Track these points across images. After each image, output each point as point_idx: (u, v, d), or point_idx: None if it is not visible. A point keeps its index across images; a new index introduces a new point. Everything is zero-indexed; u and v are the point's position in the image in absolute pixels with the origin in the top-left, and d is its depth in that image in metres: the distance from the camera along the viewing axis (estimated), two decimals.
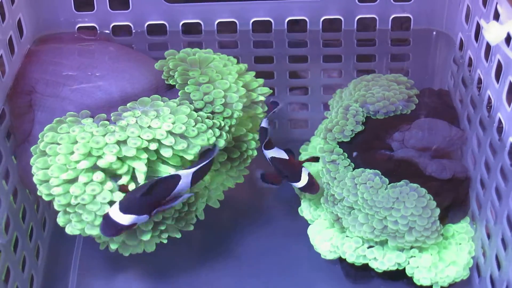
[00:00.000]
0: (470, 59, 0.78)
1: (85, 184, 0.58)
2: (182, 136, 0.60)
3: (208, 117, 0.63)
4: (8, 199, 0.65)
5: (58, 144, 0.58)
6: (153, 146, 0.59)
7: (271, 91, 0.71)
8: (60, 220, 0.60)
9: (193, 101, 0.63)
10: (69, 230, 0.60)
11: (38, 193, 0.59)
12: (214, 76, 0.65)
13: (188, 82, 0.65)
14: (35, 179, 0.59)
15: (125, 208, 0.56)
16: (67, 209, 0.59)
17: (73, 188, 0.58)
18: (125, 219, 0.56)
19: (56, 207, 0.59)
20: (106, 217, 0.57)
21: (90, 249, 0.71)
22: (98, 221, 0.58)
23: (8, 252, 0.63)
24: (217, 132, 0.62)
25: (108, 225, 0.57)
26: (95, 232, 0.59)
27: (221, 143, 0.62)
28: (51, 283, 0.70)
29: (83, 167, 0.58)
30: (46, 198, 0.59)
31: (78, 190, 0.58)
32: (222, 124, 0.64)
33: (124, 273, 0.71)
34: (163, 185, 0.58)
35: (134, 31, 0.92)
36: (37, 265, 0.70)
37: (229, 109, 0.64)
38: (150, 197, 0.57)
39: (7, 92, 0.70)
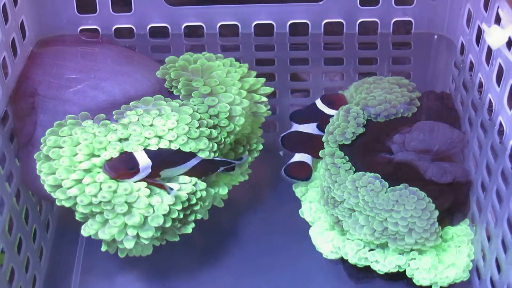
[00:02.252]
0: (471, 62, 0.78)
1: (100, 183, 0.58)
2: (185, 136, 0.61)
3: (214, 127, 0.63)
4: (11, 201, 0.65)
5: (61, 147, 0.59)
6: (154, 141, 0.60)
7: (273, 89, 0.71)
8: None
9: (201, 117, 0.64)
10: (92, 231, 0.60)
11: (57, 203, 0.59)
12: (217, 89, 0.65)
13: (192, 95, 0.65)
14: (46, 187, 0.59)
15: (152, 154, 0.60)
16: (93, 209, 0.58)
17: (89, 188, 0.58)
18: (146, 162, 0.59)
19: (81, 209, 0.58)
20: (127, 153, 0.60)
21: (92, 250, 0.72)
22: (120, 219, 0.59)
23: (12, 253, 0.64)
24: (215, 147, 0.63)
25: (126, 159, 0.59)
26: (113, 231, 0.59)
27: (211, 155, 0.63)
28: (53, 283, 0.70)
29: (85, 167, 0.58)
30: (66, 204, 0.58)
31: (94, 189, 0.58)
32: (222, 140, 0.64)
33: (126, 274, 0.71)
34: (179, 153, 0.61)
35: (136, 33, 0.92)
36: (40, 266, 0.70)
37: (232, 123, 0.65)
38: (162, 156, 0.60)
39: (10, 94, 0.70)
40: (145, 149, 0.60)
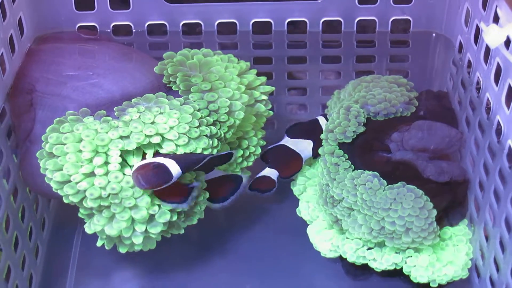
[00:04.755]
0: (469, 61, 0.78)
1: (106, 174, 0.58)
2: (185, 135, 0.61)
3: (214, 124, 0.63)
4: (9, 198, 0.65)
5: (64, 144, 0.59)
6: (156, 139, 0.60)
7: (273, 88, 0.71)
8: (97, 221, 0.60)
9: (199, 110, 0.64)
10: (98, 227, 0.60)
11: (65, 199, 0.59)
12: (217, 84, 0.65)
13: (192, 90, 0.65)
14: (53, 184, 0.58)
15: (180, 163, 0.59)
16: (101, 203, 0.58)
17: (99, 180, 0.58)
18: (175, 171, 0.58)
19: (90, 203, 0.58)
20: (160, 165, 0.58)
21: (88, 247, 0.72)
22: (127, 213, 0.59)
23: (9, 251, 0.64)
24: (216, 142, 0.63)
25: (161, 172, 0.58)
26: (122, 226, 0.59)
27: (214, 152, 0.63)
28: (49, 281, 0.70)
29: (99, 163, 0.58)
30: (75, 199, 0.58)
31: (103, 181, 0.58)
32: (222, 136, 0.64)
33: (122, 271, 0.71)
34: (194, 156, 0.61)
35: (134, 31, 0.92)
36: (36, 264, 0.70)
37: (232, 117, 0.65)
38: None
39: (8, 91, 0.70)
40: (172, 156, 0.60)
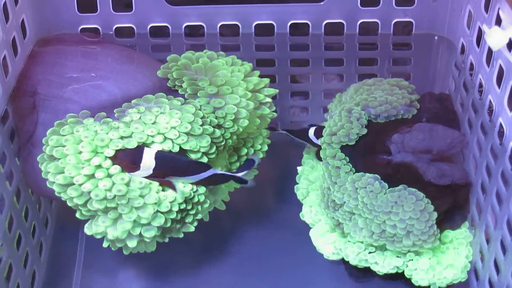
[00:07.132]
0: (471, 63, 0.78)
1: (110, 176, 0.58)
2: (187, 134, 0.61)
3: (218, 126, 0.63)
4: (12, 199, 0.65)
5: (64, 146, 0.59)
6: (159, 138, 0.60)
7: (277, 91, 0.71)
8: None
9: (204, 115, 0.64)
10: (99, 229, 0.60)
11: (69, 203, 0.59)
12: (224, 89, 0.65)
13: (198, 94, 0.65)
14: (56, 187, 0.58)
15: (160, 158, 0.59)
16: (108, 205, 0.58)
17: (103, 182, 0.58)
18: (149, 163, 0.59)
19: (96, 204, 0.58)
20: (139, 147, 0.59)
21: (93, 246, 0.72)
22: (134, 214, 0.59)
23: (11, 251, 0.64)
24: (214, 148, 0.63)
25: (133, 151, 0.59)
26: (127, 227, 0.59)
27: (204, 159, 0.63)
28: (55, 279, 0.70)
29: (97, 163, 0.58)
30: (79, 201, 0.58)
31: (108, 183, 0.58)
32: (224, 141, 0.64)
33: (127, 270, 0.71)
34: (190, 164, 0.61)
35: (137, 33, 0.92)
36: (39, 262, 0.70)
37: (237, 125, 0.65)
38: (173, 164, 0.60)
39: (10, 93, 0.70)
40: (158, 151, 0.60)
